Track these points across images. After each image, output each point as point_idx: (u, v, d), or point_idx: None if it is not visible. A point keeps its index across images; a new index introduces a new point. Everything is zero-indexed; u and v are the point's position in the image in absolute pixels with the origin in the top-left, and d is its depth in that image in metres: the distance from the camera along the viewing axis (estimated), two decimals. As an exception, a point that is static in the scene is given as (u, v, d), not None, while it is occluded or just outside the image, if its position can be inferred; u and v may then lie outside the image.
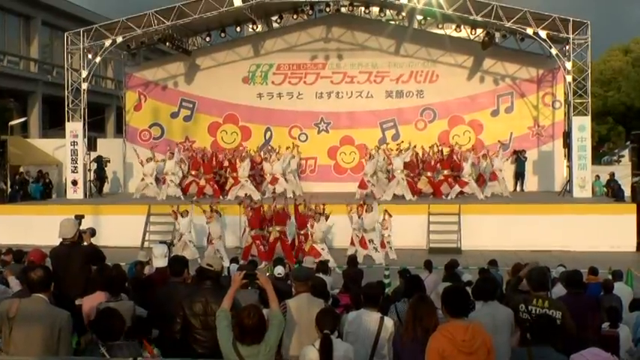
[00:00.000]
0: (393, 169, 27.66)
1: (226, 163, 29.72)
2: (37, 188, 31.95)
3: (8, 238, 23.13)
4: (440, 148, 29.38)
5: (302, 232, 22.79)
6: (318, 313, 7.09)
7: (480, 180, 28.71)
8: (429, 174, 28.31)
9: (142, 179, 29.88)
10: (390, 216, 23.69)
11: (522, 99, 32.54)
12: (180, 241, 23.06)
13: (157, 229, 26.43)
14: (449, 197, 27.59)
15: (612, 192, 29.89)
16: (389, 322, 7.69)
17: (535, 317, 7.33)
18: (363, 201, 24.47)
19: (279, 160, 29.17)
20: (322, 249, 22.02)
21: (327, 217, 22.73)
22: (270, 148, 31.42)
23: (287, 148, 30.19)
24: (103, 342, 6.63)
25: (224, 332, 6.52)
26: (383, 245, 23.38)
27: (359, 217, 23.09)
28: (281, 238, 22.86)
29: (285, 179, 28.93)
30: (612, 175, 32.20)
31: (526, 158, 31.50)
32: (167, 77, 34.26)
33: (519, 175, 31.64)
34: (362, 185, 28.05)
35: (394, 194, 27.49)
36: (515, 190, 31.02)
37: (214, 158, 29.92)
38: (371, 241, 23.02)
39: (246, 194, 26.29)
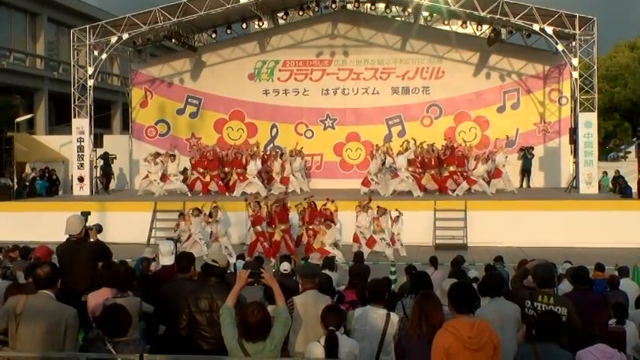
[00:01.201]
0: (397, 167, 27.62)
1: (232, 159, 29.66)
2: (43, 185, 32.00)
3: (15, 235, 23.15)
4: (450, 144, 29.23)
5: (311, 227, 22.88)
6: (323, 310, 7.10)
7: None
8: (432, 172, 28.23)
9: (146, 176, 29.86)
10: (385, 212, 23.64)
11: (528, 95, 32.47)
12: (190, 239, 23.08)
13: (163, 225, 26.42)
14: (455, 194, 27.53)
15: (619, 188, 29.81)
16: (395, 318, 7.70)
17: (540, 314, 7.33)
18: (369, 199, 24.61)
19: (292, 157, 29.25)
20: (332, 249, 22.03)
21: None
22: (277, 148, 31.57)
23: (290, 152, 30.13)
24: (109, 338, 6.65)
25: (229, 329, 6.53)
26: (394, 242, 23.44)
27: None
28: (284, 236, 22.93)
29: (294, 176, 28.99)
30: (617, 172, 32.14)
31: (533, 155, 31.40)
32: (173, 74, 34.29)
33: (526, 172, 31.57)
34: (365, 183, 28.12)
35: (401, 191, 27.48)
36: (521, 186, 30.95)
37: (218, 155, 29.98)
38: (382, 239, 23.09)
39: (265, 195, 26.30)
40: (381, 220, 23.14)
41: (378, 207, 23.69)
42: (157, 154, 29.97)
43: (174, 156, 29.33)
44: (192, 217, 23.55)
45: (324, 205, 23.75)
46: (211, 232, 23.31)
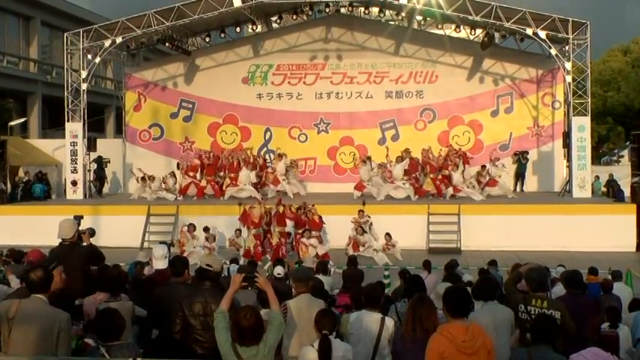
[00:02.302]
0: (393, 178, 27.61)
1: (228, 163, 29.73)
2: (42, 188, 31.86)
3: (8, 239, 23.11)
4: (445, 153, 29.27)
5: (300, 232, 22.98)
6: (316, 314, 7.09)
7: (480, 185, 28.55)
8: (432, 175, 28.18)
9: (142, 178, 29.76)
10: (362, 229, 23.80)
11: (522, 99, 32.52)
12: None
13: (156, 229, 26.42)
14: (446, 198, 27.52)
15: (613, 192, 29.86)
16: (390, 323, 7.69)
17: (535, 317, 7.33)
18: (364, 203, 24.77)
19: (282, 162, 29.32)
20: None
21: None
22: (270, 152, 31.91)
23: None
24: (103, 342, 6.63)
25: (222, 333, 6.51)
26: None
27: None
28: (280, 240, 23.04)
29: (289, 182, 28.99)
30: (611, 175, 32.19)
31: (527, 160, 31.35)
32: (167, 77, 34.26)
33: (520, 176, 31.54)
34: (359, 187, 28.10)
35: (396, 198, 27.49)
36: (515, 190, 30.96)
37: (217, 160, 30.04)
38: (370, 246, 23.24)
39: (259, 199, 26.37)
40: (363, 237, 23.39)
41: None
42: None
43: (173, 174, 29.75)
44: (187, 233, 23.58)
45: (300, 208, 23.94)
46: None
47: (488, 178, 28.30)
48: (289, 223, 23.93)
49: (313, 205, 23.98)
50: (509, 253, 21.47)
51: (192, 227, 23.87)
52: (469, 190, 27.58)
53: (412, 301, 7.07)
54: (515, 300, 7.91)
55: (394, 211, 25.39)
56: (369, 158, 28.74)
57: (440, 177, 28.20)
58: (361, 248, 23.21)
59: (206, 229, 23.85)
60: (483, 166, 28.93)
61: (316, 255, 21.56)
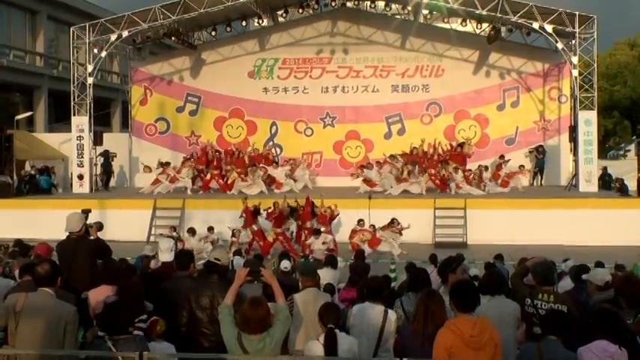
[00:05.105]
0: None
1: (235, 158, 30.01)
2: (48, 181, 31.89)
3: (14, 232, 23.05)
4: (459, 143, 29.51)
5: (307, 226, 22.97)
6: (320, 308, 7.10)
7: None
8: (432, 171, 28.16)
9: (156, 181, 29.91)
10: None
11: (528, 93, 32.44)
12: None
13: (163, 223, 26.41)
14: (452, 192, 27.53)
15: (618, 187, 29.72)
16: (393, 315, 7.68)
17: (545, 312, 7.32)
18: (369, 196, 24.74)
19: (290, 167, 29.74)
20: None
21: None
22: (277, 146, 32.27)
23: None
24: (109, 336, 6.64)
25: (228, 328, 6.51)
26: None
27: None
28: (277, 238, 23.01)
29: (294, 179, 29.21)
30: (605, 169, 32.04)
31: (544, 153, 31.23)
32: (173, 72, 34.26)
33: (539, 171, 31.53)
34: (370, 184, 28.15)
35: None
36: (532, 185, 31.01)
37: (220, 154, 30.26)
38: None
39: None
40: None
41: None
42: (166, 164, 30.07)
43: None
44: (190, 237, 23.47)
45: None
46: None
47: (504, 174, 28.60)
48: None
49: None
50: (515, 247, 21.38)
51: (191, 231, 23.79)
52: (467, 187, 27.63)
53: (422, 296, 7.04)
54: (522, 294, 7.90)
55: (400, 206, 25.34)
56: (363, 167, 29.00)
57: (444, 172, 28.23)
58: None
59: (210, 229, 23.88)
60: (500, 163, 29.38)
61: (327, 248, 21.48)
